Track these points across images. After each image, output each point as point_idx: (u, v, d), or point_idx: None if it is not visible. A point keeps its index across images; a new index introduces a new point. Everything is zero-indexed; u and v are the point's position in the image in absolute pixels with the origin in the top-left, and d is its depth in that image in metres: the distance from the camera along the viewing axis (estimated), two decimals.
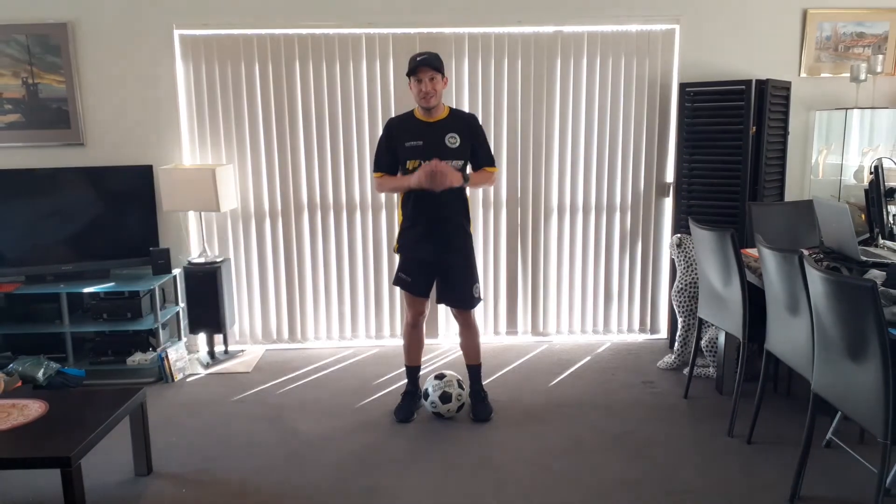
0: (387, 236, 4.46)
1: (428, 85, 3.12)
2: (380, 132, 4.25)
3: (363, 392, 3.79)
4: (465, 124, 3.28)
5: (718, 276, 3.34)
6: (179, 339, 4.38)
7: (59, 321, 4.04)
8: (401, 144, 3.22)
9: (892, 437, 2.18)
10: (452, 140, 3.20)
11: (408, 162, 3.21)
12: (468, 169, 3.33)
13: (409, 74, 3.16)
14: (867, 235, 3.39)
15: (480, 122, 3.37)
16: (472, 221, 3.39)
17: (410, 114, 3.30)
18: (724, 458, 3.01)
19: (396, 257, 4.39)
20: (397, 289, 4.45)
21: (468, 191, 3.38)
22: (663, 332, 4.63)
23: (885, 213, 3.38)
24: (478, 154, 3.32)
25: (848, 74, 4.28)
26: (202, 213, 4.22)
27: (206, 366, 4.20)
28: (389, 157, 3.28)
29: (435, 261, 3.30)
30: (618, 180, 4.45)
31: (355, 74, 4.28)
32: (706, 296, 3.54)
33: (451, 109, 3.29)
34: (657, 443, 3.17)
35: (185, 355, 4.16)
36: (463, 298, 3.36)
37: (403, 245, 3.35)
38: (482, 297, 3.49)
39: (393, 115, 4.19)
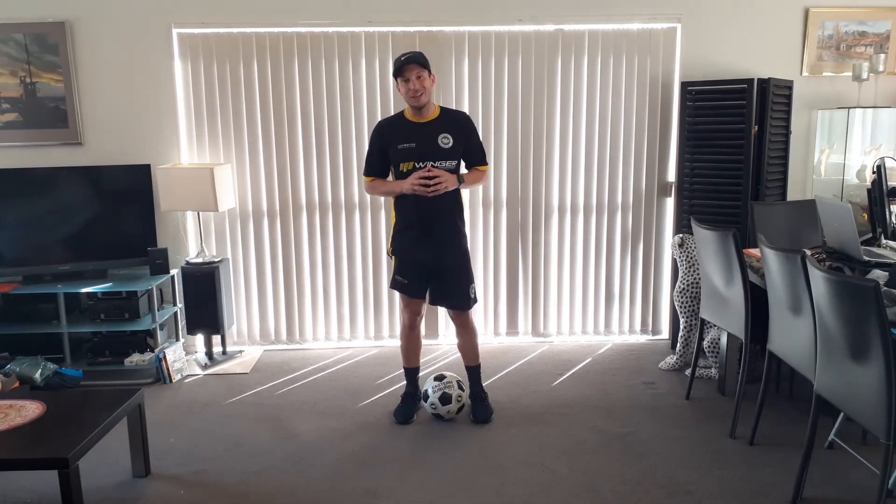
0: (386, 236, 4.44)
1: (416, 83, 3.08)
2: None
3: (362, 393, 3.77)
4: (458, 124, 3.25)
5: (720, 276, 3.32)
6: (177, 339, 4.36)
7: (57, 321, 4.02)
8: (393, 147, 3.19)
9: (894, 438, 2.17)
10: (445, 140, 3.18)
11: (401, 164, 3.18)
12: (462, 168, 3.31)
13: (395, 76, 3.12)
14: (870, 235, 3.37)
15: (473, 121, 3.34)
16: (465, 221, 3.37)
17: (400, 115, 3.27)
18: (726, 460, 2.99)
19: (390, 258, 4.40)
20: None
21: (462, 190, 3.36)
22: (665, 333, 4.61)
23: (887, 212, 3.36)
24: (471, 153, 3.30)
25: (850, 73, 4.27)
26: (200, 213, 4.21)
27: (204, 367, 4.19)
28: (381, 161, 3.25)
29: (431, 262, 3.27)
30: (619, 180, 4.43)
31: (354, 73, 4.26)
32: (708, 296, 3.52)
33: (441, 108, 3.26)
34: (658, 444, 3.15)
35: (183, 356, 4.15)
36: (459, 300, 3.33)
37: (398, 248, 3.32)
38: (478, 297, 3.47)
39: (393, 115, 4.20)
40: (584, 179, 4.44)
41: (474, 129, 3.31)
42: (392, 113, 4.22)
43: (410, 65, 3.07)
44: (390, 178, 3.31)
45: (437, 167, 3.15)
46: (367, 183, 3.33)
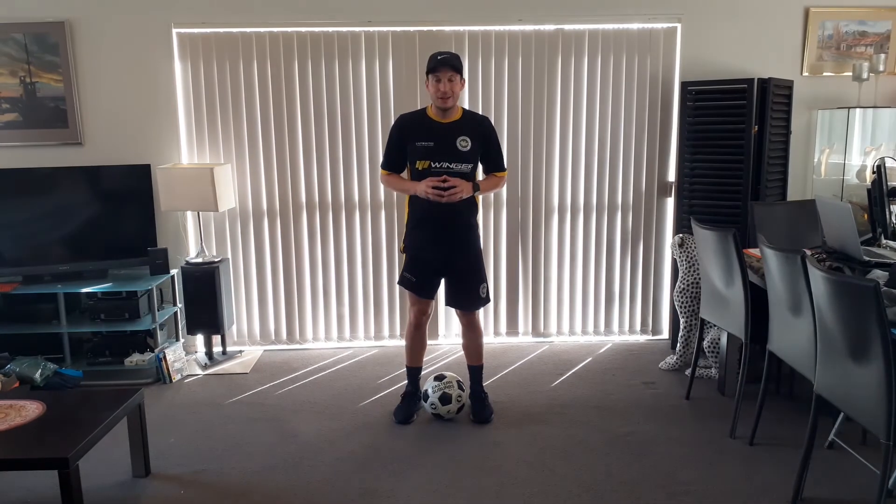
0: (386, 236, 4.44)
1: (447, 85, 3.08)
2: (379, 131, 4.28)
3: (362, 393, 3.77)
4: (479, 127, 3.24)
5: (720, 276, 3.32)
6: (177, 339, 4.36)
7: (57, 321, 4.02)
8: (411, 143, 3.18)
9: (894, 438, 2.16)
10: (464, 143, 3.17)
11: (417, 162, 3.17)
12: (479, 172, 3.31)
13: (428, 72, 3.12)
14: (870, 235, 3.37)
15: (493, 125, 3.34)
16: (479, 222, 3.37)
17: (423, 112, 3.25)
18: (726, 460, 2.99)
19: (397, 257, 4.40)
20: (397, 289, 4.46)
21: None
22: (665, 333, 4.61)
23: (887, 212, 3.35)
24: (489, 158, 3.29)
25: (850, 73, 4.27)
26: (200, 213, 4.20)
27: (204, 367, 4.19)
28: (398, 155, 3.25)
29: (443, 261, 3.27)
30: (619, 180, 4.43)
31: (354, 73, 4.26)
32: (708, 296, 3.52)
33: (464, 111, 3.25)
34: (658, 444, 3.15)
35: (183, 356, 4.15)
36: (469, 299, 3.33)
37: (410, 245, 3.31)
38: (489, 297, 3.46)
39: (392, 115, 4.21)
40: (584, 179, 4.44)
41: (494, 135, 3.30)
42: (392, 112, 4.23)
43: (445, 67, 3.07)
44: (405, 174, 3.31)
45: (452, 169, 3.14)
46: (384, 176, 3.34)
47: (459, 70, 3.11)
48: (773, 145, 4.03)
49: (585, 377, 3.96)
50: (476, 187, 3.21)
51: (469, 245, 3.29)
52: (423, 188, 3.10)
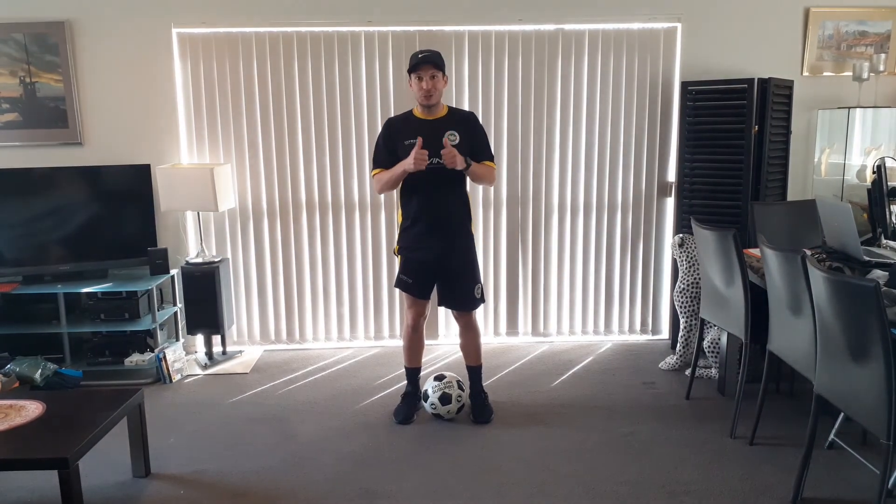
0: (386, 236, 4.44)
1: (429, 83, 3.09)
2: (379, 131, 4.27)
3: (362, 393, 3.77)
4: (465, 122, 3.25)
5: (720, 276, 3.32)
6: (177, 339, 4.36)
7: (57, 322, 4.02)
8: (400, 143, 3.19)
9: (894, 438, 2.16)
10: (452, 137, 3.17)
11: None
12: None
13: (410, 71, 3.13)
14: (870, 235, 3.38)
15: (480, 120, 3.34)
16: (473, 222, 3.37)
17: (409, 113, 3.28)
18: (726, 460, 2.99)
19: (396, 257, 4.40)
20: (396, 289, 4.45)
21: (468, 187, 3.36)
22: (665, 333, 4.61)
23: (887, 212, 3.36)
24: (477, 151, 3.28)
25: (850, 73, 4.26)
26: (200, 213, 4.21)
27: (204, 367, 4.19)
28: (388, 157, 3.24)
29: (436, 262, 3.27)
30: (619, 179, 4.43)
31: (354, 72, 4.26)
32: (708, 296, 3.52)
33: (449, 108, 3.27)
34: (658, 444, 3.15)
35: (183, 356, 4.15)
36: (464, 300, 3.33)
37: (404, 247, 3.32)
38: (484, 297, 3.46)
39: (392, 114, 4.20)
40: (584, 179, 4.44)
41: (481, 128, 3.31)
42: (392, 111, 4.23)
43: (426, 64, 3.08)
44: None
45: (442, 164, 3.13)
46: (375, 177, 3.30)
47: (441, 67, 3.12)
48: (773, 145, 4.03)
49: (585, 377, 3.96)
50: (468, 163, 3.15)
51: (463, 244, 3.30)
52: (410, 160, 3.06)
